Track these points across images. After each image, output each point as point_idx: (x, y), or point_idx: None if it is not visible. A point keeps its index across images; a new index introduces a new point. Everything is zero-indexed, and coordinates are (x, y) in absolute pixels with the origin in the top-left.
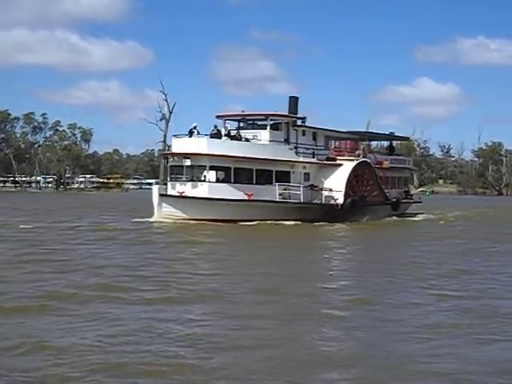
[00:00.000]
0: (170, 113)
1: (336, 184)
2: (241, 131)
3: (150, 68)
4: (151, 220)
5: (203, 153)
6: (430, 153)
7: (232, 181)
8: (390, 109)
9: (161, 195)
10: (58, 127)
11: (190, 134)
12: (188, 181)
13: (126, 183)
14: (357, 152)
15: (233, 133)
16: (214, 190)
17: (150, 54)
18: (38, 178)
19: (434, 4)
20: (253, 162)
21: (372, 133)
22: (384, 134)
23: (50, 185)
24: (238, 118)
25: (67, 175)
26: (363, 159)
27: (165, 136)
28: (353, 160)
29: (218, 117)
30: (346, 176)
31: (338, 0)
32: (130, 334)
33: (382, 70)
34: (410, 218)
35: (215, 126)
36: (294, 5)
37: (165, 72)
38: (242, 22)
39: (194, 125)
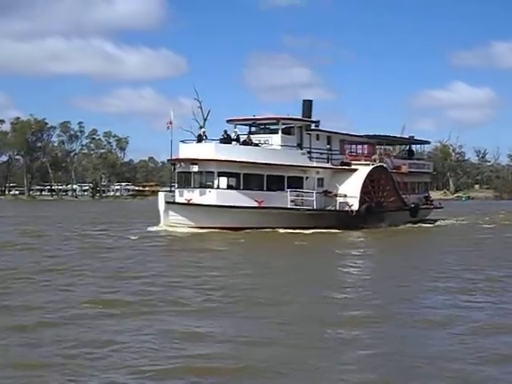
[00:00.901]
0: (205, 120)
1: (351, 190)
2: (252, 136)
3: (184, 75)
4: (157, 228)
5: (211, 158)
6: (466, 158)
7: (241, 187)
8: (426, 113)
9: (167, 202)
10: (94, 136)
11: (199, 139)
12: (196, 188)
13: (162, 191)
14: (373, 156)
15: (244, 137)
16: (223, 197)
17: (183, 61)
18: (74, 186)
19: (468, 7)
20: (263, 168)
21: (390, 137)
22: (403, 138)
23: (85, 193)
24: (249, 122)
25: (103, 183)
26: (379, 164)
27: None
28: (368, 165)
29: (228, 121)
30: (362, 181)
31: (370, 3)
32: None
33: (416, 73)
34: (429, 225)
35: (225, 131)
36: (325, 9)
37: (198, 79)
38: (274, 28)
39: (203, 130)
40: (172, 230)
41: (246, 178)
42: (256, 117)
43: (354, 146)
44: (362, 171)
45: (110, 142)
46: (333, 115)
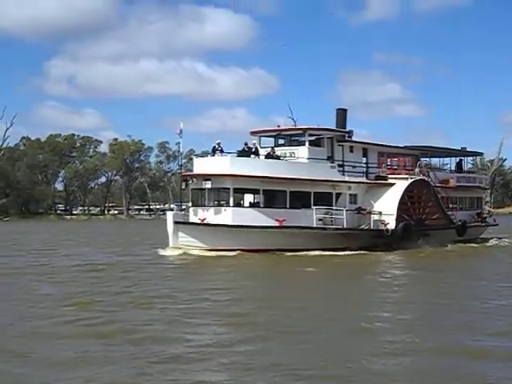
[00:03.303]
0: None
1: (387, 206)
2: (278, 149)
3: (276, 94)
4: (165, 253)
5: (225, 173)
6: None
7: (261, 205)
8: None
9: (176, 223)
10: (191, 155)
11: (213, 152)
12: (211, 206)
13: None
14: (415, 170)
15: (267, 151)
16: (239, 215)
17: (275, 80)
18: (172, 206)
19: None
20: (286, 183)
21: (436, 147)
22: (451, 149)
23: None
24: (274, 133)
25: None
26: (420, 177)
27: None
28: (407, 178)
29: (252, 133)
30: (399, 197)
31: (461, 20)
32: None
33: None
34: (478, 245)
35: (245, 144)
36: (416, 26)
37: (291, 98)
38: (365, 45)
39: (218, 141)
40: (179, 254)
41: (266, 195)
42: (281, 127)
43: (394, 159)
44: (400, 186)
45: None
46: (426, 131)
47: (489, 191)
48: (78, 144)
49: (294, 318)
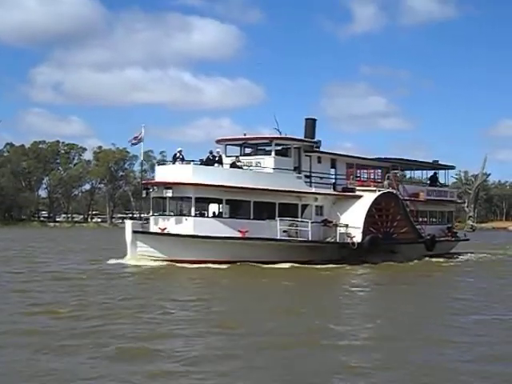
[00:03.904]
0: None
1: (353, 219)
2: (243, 158)
3: (262, 105)
4: (120, 261)
5: (187, 182)
6: None
7: (224, 215)
8: (508, 144)
9: (134, 232)
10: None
11: (174, 160)
12: (172, 215)
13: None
14: (384, 182)
15: (232, 160)
16: (201, 226)
17: (261, 91)
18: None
19: None
20: (249, 193)
21: (406, 160)
22: (423, 162)
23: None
24: (240, 142)
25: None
26: (388, 190)
27: None
28: (375, 191)
29: (218, 141)
30: (366, 209)
31: (447, 34)
32: None
33: (496, 103)
34: (447, 259)
35: (210, 152)
36: (402, 39)
37: (276, 109)
38: (352, 58)
39: (179, 149)
40: (138, 264)
41: (230, 205)
42: (247, 136)
43: (363, 171)
44: (367, 198)
45: None
46: (411, 145)
47: (472, 206)
48: (63, 151)
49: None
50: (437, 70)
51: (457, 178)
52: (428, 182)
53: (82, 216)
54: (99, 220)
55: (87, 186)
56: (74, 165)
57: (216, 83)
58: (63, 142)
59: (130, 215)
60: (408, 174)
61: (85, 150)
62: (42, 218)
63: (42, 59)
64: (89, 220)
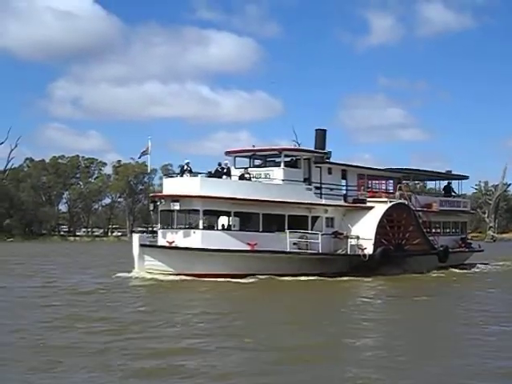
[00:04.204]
0: None
1: (364, 231)
2: (253, 170)
3: (280, 118)
4: (130, 275)
5: (194, 194)
6: None
7: (233, 228)
8: None
9: (142, 245)
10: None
11: (182, 172)
12: (180, 228)
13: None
14: (396, 193)
15: (241, 172)
16: (208, 239)
17: (278, 104)
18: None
19: None
20: (258, 205)
21: (418, 170)
22: (435, 172)
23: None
24: (249, 154)
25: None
26: (400, 201)
27: None
28: (386, 202)
29: (226, 153)
30: (377, 221)
31: (465, 45)
32: None
33: None
34: (461, 271)
35: (219, 164)
36: (419, 50)
37: (294, 121)
38: (369, 70)
39: (187, 161)
40: (144, 277)
41: (238, 218)
42: (256, 148)
43: (375, 182)
44: (378, 209)
45: None
46: (429, 155)
47: (493, 216)
48: (83, 165)
49: None
50: (453, 81)
51: (477, 189)
52: (442, 192)
53: (102, 230)
54: (119, 234)
55: (107, 200)
56: (94, 179)
57: (234, 96)
58: (83, 157)
59: (150, 228)
60: (421, 184)
61: (105, 164)
62: (62, 233)
63: (60, 74)
64: (109, 234)
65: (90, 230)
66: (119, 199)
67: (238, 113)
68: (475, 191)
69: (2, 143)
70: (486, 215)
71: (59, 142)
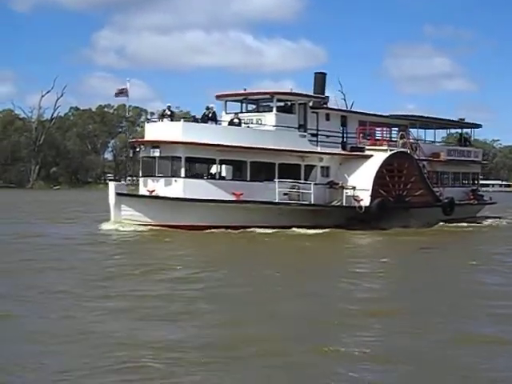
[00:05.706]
0: None
1: (361, 181)
2: (244, 115)
3: (324, 66)
4: (106, 227)
5: (176, 140)
6: None
7: (217, 176)
8: None
9: (118, 194)
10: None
11: (162, 116)
12: (161, 176)
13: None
14: (400, 141)
15: (231, 116)
16: (191, 188)
17: (323, 52)
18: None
19: None
20: (245, 153)
21: (427, 117)
22: (445, 120)
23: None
24: (240, 98)
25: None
26: (401, 149)
27: None
28: (386, 150)
29: (217, 97)
30: (375, 170)
31: None
32: None
33: None
34: (467, 225)
35: (207, 108)
36: None
37: (338, 71)
38: (415, 18)
39: (168, 105)
40: (121, 229)
41: (224, 166)
42: (247, 91)
43: (377, 129)
44: (377, 158)
45: None
46: (476, 106)
47: None
48: (129, 114)
49: None
50: (500, 28)
51: None
52: (457, 141)
53: None
54: None
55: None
56: (140, 128)
57: (277, 45)
58: (130, 106)
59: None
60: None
61: (152, 114)
62: (107, 181)
63: (104, 23)
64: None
65: (135, 178)
66: None
67: (281, 62)
68: None
69: (49, 92)
70: None
71: (103, 90)
